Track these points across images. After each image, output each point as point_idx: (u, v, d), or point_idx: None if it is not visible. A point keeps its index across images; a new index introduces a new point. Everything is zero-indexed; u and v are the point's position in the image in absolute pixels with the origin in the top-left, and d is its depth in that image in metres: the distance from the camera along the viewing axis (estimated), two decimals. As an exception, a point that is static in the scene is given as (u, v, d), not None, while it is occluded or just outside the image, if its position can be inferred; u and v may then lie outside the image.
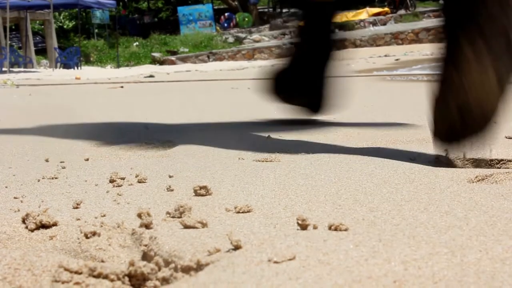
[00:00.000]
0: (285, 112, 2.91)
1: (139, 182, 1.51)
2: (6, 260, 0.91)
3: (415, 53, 21.73)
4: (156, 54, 27.93)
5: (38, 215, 1.11)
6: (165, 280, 0.86)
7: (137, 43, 30.53)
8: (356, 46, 27.89)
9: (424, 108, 3.41)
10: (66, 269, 0.85)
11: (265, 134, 2.38)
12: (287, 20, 33.51)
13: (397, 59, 18.42)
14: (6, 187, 1.48)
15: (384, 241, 0.93)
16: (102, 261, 0.99)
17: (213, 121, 3.00)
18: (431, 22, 30.07)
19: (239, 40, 30.31)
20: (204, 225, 1.06)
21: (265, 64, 19.85)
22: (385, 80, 8.21)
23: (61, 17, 36.06)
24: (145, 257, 0.97)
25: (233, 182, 1.49)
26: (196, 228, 1.05)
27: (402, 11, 32.61)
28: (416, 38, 28.07)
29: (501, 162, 1.69)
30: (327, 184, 1.42)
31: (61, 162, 1.83)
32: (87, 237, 1.03)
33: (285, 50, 2.87)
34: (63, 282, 0.83)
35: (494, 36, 1.57)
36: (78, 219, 1.14)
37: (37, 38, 31.34)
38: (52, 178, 1.58)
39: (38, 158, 1.91)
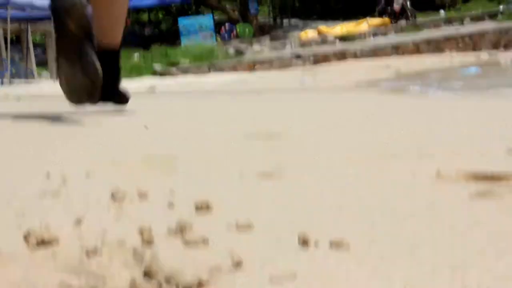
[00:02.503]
0: None
1: (140, 197, 1.51)
2: (7, 278, 0.91)
3: (415, 64, 21.75)
4: (157, 66, 27.97)
5: (39, 232, 1.11)
6: (166, 299, 0.86)
7: (138, 55, 30.57)
8: (357, 57, 27.92)
9: (426, 121, 3.42)
10: (67, 287, 0.85)
11: (267, 148, 2.38)
12: (287, 31, 33.60)
13: (398, 70, 18.45)
14: (7, 203, 1.48)
15: (385, 259, 0.93)
16: (104, 279, 0.99)
17: (214, 134, 3.00)
18: (431, 33, 30.12)
19: (239, 52, 30.36)
20: (205, 241, 1.06)
21: (266, 76, 19.87)
22: (386, 92, 8.23)
23: (62, 29, 36.10)
24: (147, 274, 0.97)
25: (234, 197, 1.49)
26: (197, 244, 1.05)
27: (402, 22, 32.66)
28: (416, 49, 28.10)
29: (503, 177, 1.68)
30: (329, 200, 1.42)
31: (62, 177, 1.83)
32: (88, 254, 1.03)
33: None
34: (64, 301, 0.83)
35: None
36: (80, 236, 1.14)
37: (38, 50, 31.38)
38: (54, 194, 1.58)
39: (40, 173, 1.91)
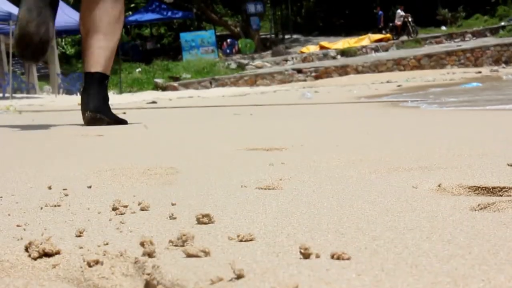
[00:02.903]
0: None
1: (141, 210, 1.51)
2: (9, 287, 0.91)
3: (417, 79, 21.79)
4: (159, 80, 28.03)
5: (41, 243, 1.11)
6: (168, 310, 0.85)
7: (139, 69, 30.64)
8: (358, 72, 27.99)
9: (426, 135, 3.43)
10: (69, 298, 0.85)
11: (268, 161, 2.38)
12: (289, 46, 33.69)
13: (399, 85, 18.48)
14: (9, 214, 1.48)
15: (386, 270, 0.93)
16: (105, 290, 0.99)
17: (216, 148, 3.00)
18: (433, 48, 30.20)
19: (241, 66, 30.43)
20: (206, 253, 1.06)
21: (267, 90, 19.90)
22: (388, 106, 8.23)
23: (64, 43, 36.23)
24: (148, 286, 0.97)
25: (235, 210, 1.49)
26: (199, 256, 1.05)
27: (404, 37, 32.74)
28: (418, 64, 28.17)
29: (503, 190, 1.69)
30: (330, 212, 1.42)
31: (63, 189, 1.83)
32: (90, 266, 1.04)
33: None
34: (66, 312, 0.83)
35: None
36: (81, 248, 1.14)
37: (40, 64, 31.43)
38: (55, 206, 1.58)
39: (41, 185, 1.91)
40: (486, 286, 0.86)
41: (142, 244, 1.10)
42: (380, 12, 35.17)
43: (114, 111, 5.02)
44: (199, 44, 32.89)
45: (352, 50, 30.85)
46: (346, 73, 27.63)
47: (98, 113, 4.71)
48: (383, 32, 33.68)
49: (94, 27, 4.83)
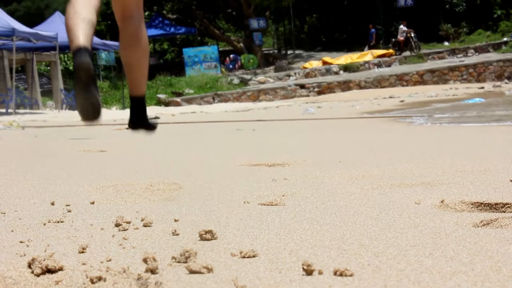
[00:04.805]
0: None
1: (144, 226, 1.51)
2: (12, 306, 0.91)
3: (420, 95, 21.78)
4: (162, 96, 28.06)
5: (44, 260, 1.11)
6: (170, 326, 0.85)
7: (142, 84, 30.61)
8: (361, 87, 28.00)
9: (429, 151, 3.42)
10: (72, 315, 0.85)
11: (270, 177, 2.38)
12: (291, 62, 33.73)
13: (402, 101, 18.49)
14: (12, 231, 1.48)
15: (389, 287, 0.93)
16: (108, 306, 0.99)
17: (218, 163, 3.00)
18: (435, 63, 30.21)
19: (244, 82, 30.46)
20: (209, 270, 1.06)
21: (270, 105, 19.90)
22: (390, 122, 8.23)
23: (66, 59, 36.32)
24: (151, 302, 0.97)
25: (238, 226, 1.49)
26: (202, 273, 1.05)
27: (406, 53, 32.78)
28: (420, 79, 28.17)
29: (506, 206, 1.68)
30: (332, 229, 1.42)
31: (66, 205, 1.83)
32: (92, 282, 1.04)
33: None
34: (69, 328, 0.83)
35: None
36: (84, 264, 1.14)
37: (43, 80, 31.50)
38: (58, 222, 1.59)
39: (44, 201, 1.91)
40: (489, 303, 0.86)
41: (145, 261, 1.10)
42: (372, 30, 35.24)
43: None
44: (202, 59, 32.95)
45: (355, 66, 30.87)
46: (349, 89, 27.63)
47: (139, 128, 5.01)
48: (372, 45, 33.80)
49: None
